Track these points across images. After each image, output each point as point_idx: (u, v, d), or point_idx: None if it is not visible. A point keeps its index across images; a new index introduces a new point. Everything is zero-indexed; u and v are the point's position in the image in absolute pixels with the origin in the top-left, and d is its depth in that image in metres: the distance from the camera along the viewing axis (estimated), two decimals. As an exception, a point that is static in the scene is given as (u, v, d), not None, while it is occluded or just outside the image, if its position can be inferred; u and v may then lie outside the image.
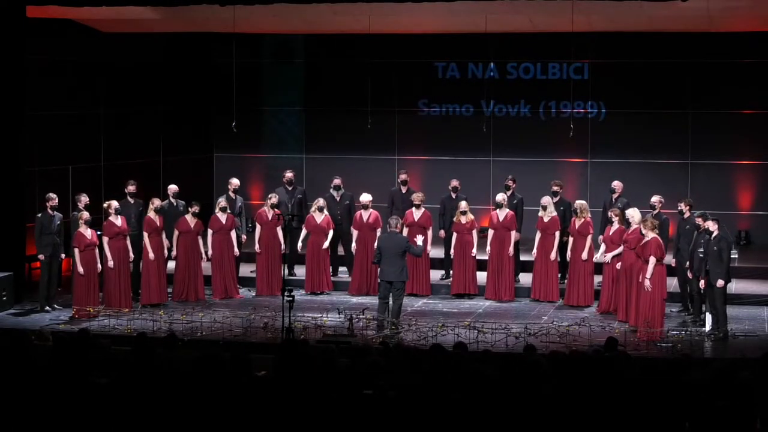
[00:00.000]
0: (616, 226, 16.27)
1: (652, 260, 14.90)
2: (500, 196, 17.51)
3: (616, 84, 21.15)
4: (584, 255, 16.63)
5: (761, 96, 20.52)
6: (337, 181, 18.63)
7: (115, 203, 16.64)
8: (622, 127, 21.19)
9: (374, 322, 15.19)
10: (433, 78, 21.89)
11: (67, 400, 9.19)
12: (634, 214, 15.96)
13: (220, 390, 9.13)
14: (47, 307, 16.44)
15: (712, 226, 14.88)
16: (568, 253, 16.93)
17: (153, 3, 17.68)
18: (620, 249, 16.07)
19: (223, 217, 17.47)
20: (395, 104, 21.90)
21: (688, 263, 15.55)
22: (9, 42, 17.24)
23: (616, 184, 17.63)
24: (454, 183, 18.31)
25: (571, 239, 16.90)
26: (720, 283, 14.71)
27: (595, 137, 21.18)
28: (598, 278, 16.78)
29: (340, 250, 18.48)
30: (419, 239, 15.93)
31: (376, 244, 16.34)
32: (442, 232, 18.13)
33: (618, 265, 16.03)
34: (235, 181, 18.30)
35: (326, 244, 17.66)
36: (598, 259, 16.57)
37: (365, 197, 17.81)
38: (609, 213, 16.54)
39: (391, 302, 15.25)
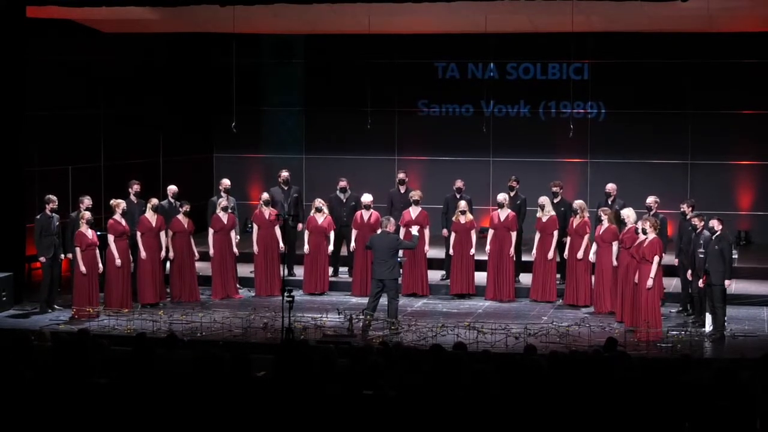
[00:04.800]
0: (605, 225, 16.25)
1: (656, 260, 14.90)
2: (501, 196, 17.49)
3: (616, 84, 21.13)
4: (580, 254, 16.62)
5: (761, 96, 20.52)
6: (343, 183, 18.60)
7: (123, 204, 16.64)
8: (622, 127, 21.18)
9: (375, 323, 15.22)
10: (433, 78, 21.87)
11: (67, 400, 9.18)
12: (629, 213, 15.94)
13: (219, 390, 9.13)
14: (48, 309, 16.44)
15: (717, 225, 14.86)
16: (566, 253, 16.92)
17: (153, 3, 17.67)
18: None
19: (224, 217, 17.48)
20: (395, 104, 21.89)
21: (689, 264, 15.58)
22: (9, 42, 17.24)
23: (611, 187, 17.60)
24: (459, 184, 18.25)
25: (568, 239, 16.90)
26: (727, 282, 14.73)
27: (594, 137, 21.17)
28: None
29: (344, 251, 18.47)
30: (414, 229, 15.93)
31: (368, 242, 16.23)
32: (445, 231, 18.09)
33: (614, 263, 16.05)
34: (225, 181, 18.23)
35: (331, 248, 17.67)
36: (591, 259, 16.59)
37: (366, 197, 17.79)
38: (599, 212, 16.52)
39: (386, 302, 15.31)
